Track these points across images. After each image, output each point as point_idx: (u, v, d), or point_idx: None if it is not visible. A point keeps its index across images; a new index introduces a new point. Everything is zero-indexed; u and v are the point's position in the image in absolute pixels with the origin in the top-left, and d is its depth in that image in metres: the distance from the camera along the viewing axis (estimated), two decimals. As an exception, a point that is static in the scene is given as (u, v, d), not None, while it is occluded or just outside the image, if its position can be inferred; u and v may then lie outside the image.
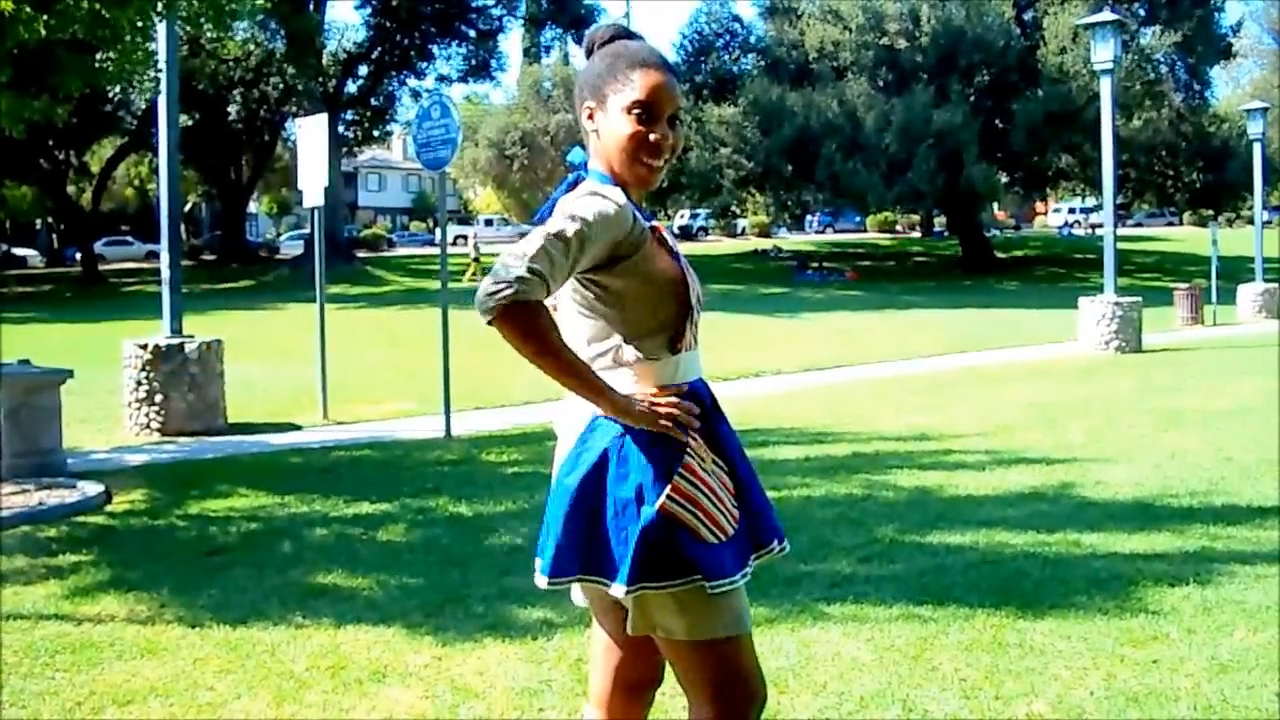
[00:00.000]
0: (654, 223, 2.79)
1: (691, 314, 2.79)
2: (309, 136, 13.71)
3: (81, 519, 8.18)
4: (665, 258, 2.75)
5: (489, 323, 2.55)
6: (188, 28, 12.50)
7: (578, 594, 2.97)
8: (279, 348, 21.37)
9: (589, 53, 2.86)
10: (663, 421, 2.69)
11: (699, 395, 2.82)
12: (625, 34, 2.87)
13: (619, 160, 2.80)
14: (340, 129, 48.82)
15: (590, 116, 2.82)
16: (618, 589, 2.68)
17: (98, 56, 10.17)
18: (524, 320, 2.55)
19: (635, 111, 2.76)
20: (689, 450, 2.72)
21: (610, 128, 2.78)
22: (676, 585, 2.66)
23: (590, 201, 2.64)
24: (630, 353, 2.75)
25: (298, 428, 12.67)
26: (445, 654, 5.12)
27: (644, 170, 2.80)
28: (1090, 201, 70.38)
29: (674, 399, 2.73)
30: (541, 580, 2.83)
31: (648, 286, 2.72)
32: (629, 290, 2.71)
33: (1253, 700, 4.42)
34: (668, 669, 2.93)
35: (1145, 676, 4.67)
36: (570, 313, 2.80)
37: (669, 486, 2.68)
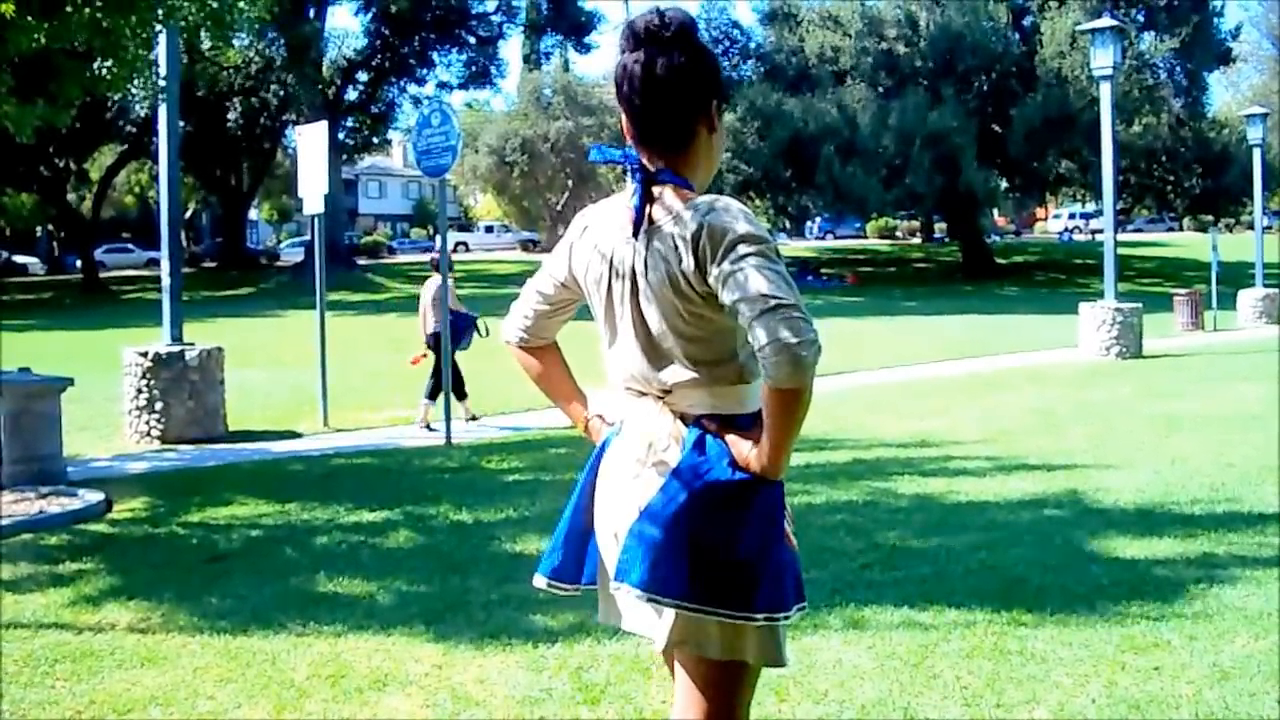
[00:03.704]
0: None
1: None
2: (309, 143, 13.71)
3: (82, 527, 8.18)
4: None
5: (806, 380, 2.42)
6: (186, 36, 12.49)
7: (604, 613, 2.87)
8: (279, 355, 21.38)
9: (673, 42, 2.61)
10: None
11: None
12: (694, 23, 2.68)
13: (718, 160, 2.77)
14: (340, 136, 48.84)
15: (715, 116, 2.69)
16: (747, 616, 2.56)
17: (96, 64, 10.18)
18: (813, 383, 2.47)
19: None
20: None
21: (722, 129, 2.74)
22: (795, 611, 2.63)
23: (751, 217, 2.53)
24: (751, 370, 2.64)
25: (298, 435, 12.67)
26: (446, 662, 5.11)
27: None
28: (1090, 207, 70.36)
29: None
30: (631, 593, 2.61)
31: None
32: None
33: (1254, 707, 4.41)
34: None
35: (1147, 683, 4.66)
36: (677, 337, 2.63)
37: (784, 509, 2.65)
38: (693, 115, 2.66)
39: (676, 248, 2.55)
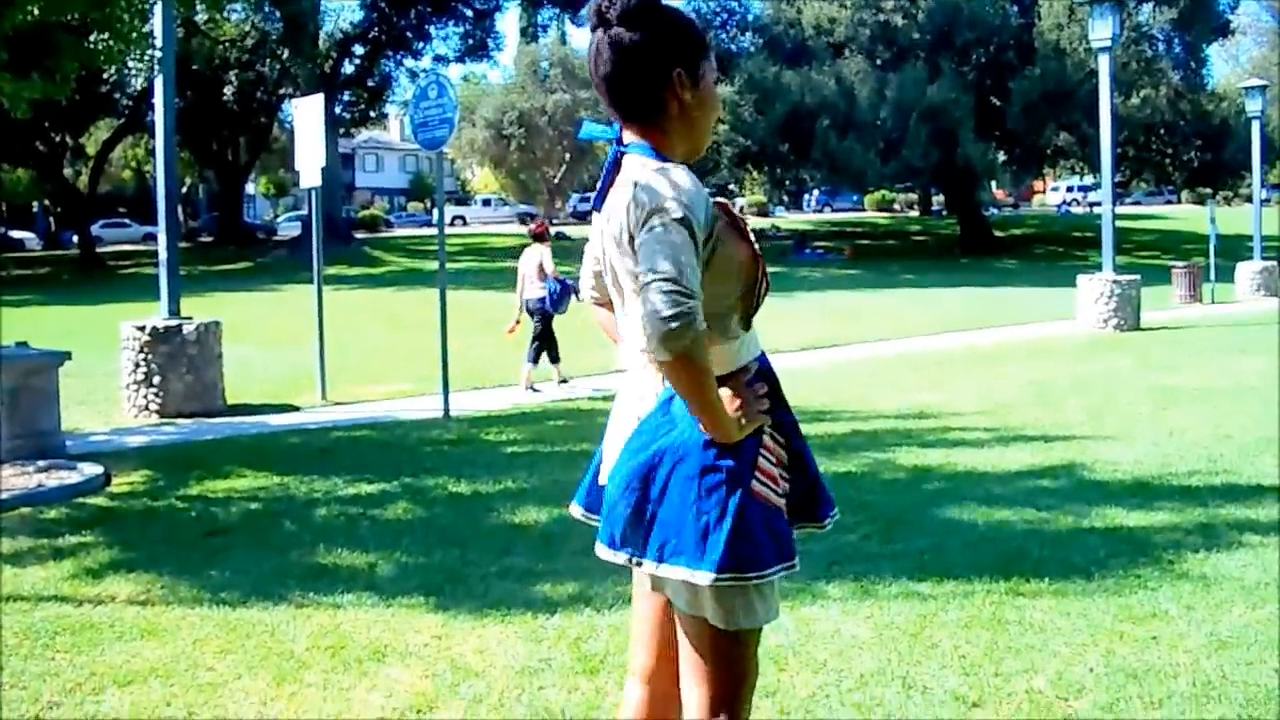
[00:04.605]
0: (719, 199, 2.70)
1: (766, 283, 2.73)
2: (305, 117, 13.68)
3: (81, 500, 8.18)
4: (735, 230, 2.70)
5: (670, 356, 2.44)
6: (182, 9, 12.43)
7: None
8: (277, 329, 21.36)
9: (625, 19, 2.66)
10: (750, 418, 2.64)
11: (767, 368, 2.79)
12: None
13: (702, 128, 2.78)
14: (337, 110, 48.59)
15: (680, 87, 2.70)
16: (701, 577, 2.58)
17: (92, 38, 10.14)
18: (702, 353, 2.48)
19: (718, 81, 2.79)
20: (765, 429, 2.69)
21: (705, 97, 2.75)
22: (768, 575, 2.62)
23: (679, 188, 2.54)
24: (710, 334, 2.63)
25: (296, 409, 12.67)
26: (445, 633, 5.13)
27: (710, 137, 2.83)
28: (1089, 180, 70.31)
29: (748, 393, 2.67)
30: (601, 550, 2.77)
31: (723, 263, 2.64)
32: (708, 269, 2.59)
33: (1252, 676, 4.42)
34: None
35: (1144, 653, 4.67)
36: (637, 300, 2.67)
37: (755, 469, 2.65)
38: (652, 89, 2.70)
39: (620, 217, 2.61)
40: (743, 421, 2.62)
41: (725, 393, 2.63)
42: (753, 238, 2.75)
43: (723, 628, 2.68)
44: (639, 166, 2.65)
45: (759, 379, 2.74)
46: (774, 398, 2.76)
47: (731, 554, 2.57)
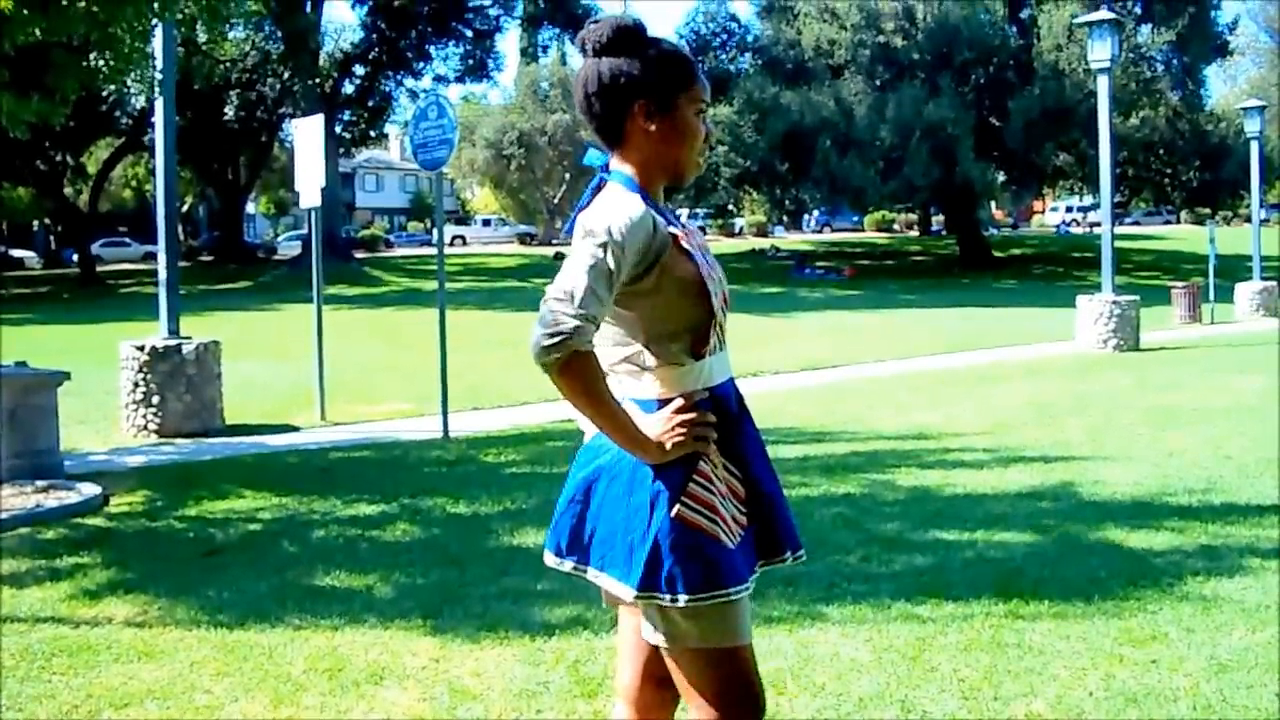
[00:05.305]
0: (673, 229, 2.72)
1: (714, 318, 2.77)
2: (306, 136, 13.69)
3: (79, 520, 8.17)
4: (686, 263, 2.71)
5: (545, 370, 2.55)
6: (183, 29, 12.45)
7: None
8: (276, 348, 21.35)
9: (602, 50, 2.73)
10: (678, 442, 2.66)
11: (725, 399, 2.80)
12: (640, 28, 2.77)
13: (676, 159, 2.81)
14: (337, 129, 48.75)
15: (643, 117, 2.75)
16: (625, 591, 2.68)
17: (93, 58, 10.15)
18: (584, 372, 2.55)
19: (700, 112, 2.81)
20: (703, 456, 2.71)
21: (678, 128, 2.78)
22: (699, 599, 2.64)
23: (616, 217, 2.60)
24: (651, 358, 2.73)
25: (295, 428, 12.65)
26: (443, 655, 5.11)
27: (697, 167, 2.87)
28: (1088, 200, 70.45)
29: (685, 419, 2.68)
30: (548, 557, 2.88)
31: (667, 292, 2.68)
32: (649, 296, 2.67)
33: (1252, 700, 4.41)
34: None
35: (1144, 676, 4.66)
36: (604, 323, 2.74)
37: (683, 493, 2.67)
38: (615, 119, 2.77)
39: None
40: (668, 445, 2.66)
41: (658, 416, 2.69)
42: (701, 264, 2.76)
43: (653, 643, 2.77)
44: (609, 192, 2.72)
45: (710, 409, 2.75)
46: (730, 429, 2.79)
47: (649, 574, 2.65)
